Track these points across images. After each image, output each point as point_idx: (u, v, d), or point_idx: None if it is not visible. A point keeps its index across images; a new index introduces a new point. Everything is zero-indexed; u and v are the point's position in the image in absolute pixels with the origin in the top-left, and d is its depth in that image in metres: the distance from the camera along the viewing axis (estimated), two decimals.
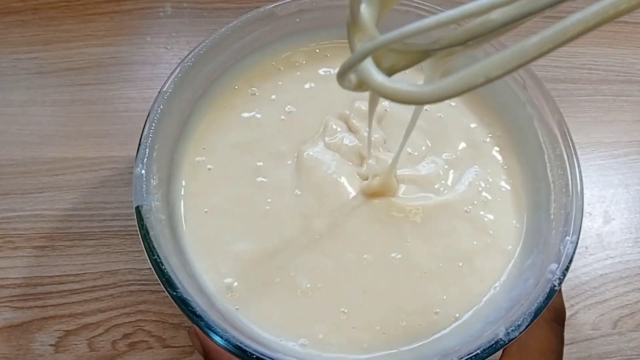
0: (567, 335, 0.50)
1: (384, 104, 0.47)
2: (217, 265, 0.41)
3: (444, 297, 0.41)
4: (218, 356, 0.38)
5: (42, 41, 0.60)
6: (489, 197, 0.45)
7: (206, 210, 0.43)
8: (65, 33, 0.61)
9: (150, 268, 0.36)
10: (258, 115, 0.46)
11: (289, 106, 0.47)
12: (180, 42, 0.61)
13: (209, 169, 0.44)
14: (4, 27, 0.60)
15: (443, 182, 0.45)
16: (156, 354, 0.49)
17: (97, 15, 0.62)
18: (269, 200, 0.43)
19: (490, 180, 0.45)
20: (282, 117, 0.46)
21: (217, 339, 0.34)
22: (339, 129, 0.46)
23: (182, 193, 0.43)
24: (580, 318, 0.51)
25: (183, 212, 0.42)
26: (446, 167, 0.46)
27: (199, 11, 0.63)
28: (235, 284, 0.40)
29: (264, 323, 0.39)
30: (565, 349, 0.50)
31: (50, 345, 0.48)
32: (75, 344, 0.48)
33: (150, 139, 0.39)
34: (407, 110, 0.38)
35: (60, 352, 0.48)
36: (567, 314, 0.51)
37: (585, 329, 0.51)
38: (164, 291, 0.38)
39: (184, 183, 0.43)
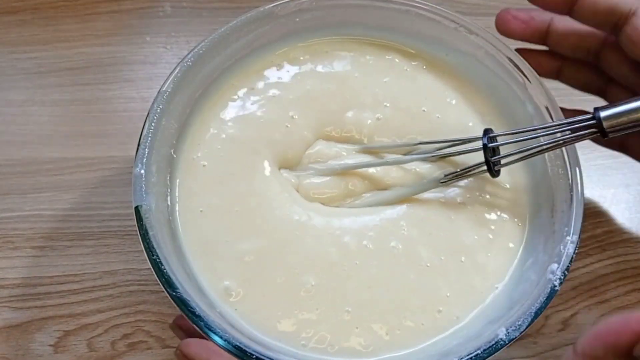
0: (568, 335, 0.50)
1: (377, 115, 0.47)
2: (214, 267, 0.40)
3: (448, 294, 0.41)
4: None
5: (41, 41, 0.60)
6: (489, 196, 0.45)
7: (201, 209, 0.42)
8: (65, 33, 0.60)
9: (150, 268, 0.36)
10: (256, 112, 0.46)
11: (287, 102, 0.46)
12: (179, 42, 0.61)
13: (204, 165, 0.43)
14: (3, 27, 0.60)
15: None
16: (156, 354, 0.49)
17: (97, 14, 0.62)
18: (267, 197, 0.43)
19: (491, 178, 0.45)
20: (281, 113, 0.46)
21: (217, 339, 0.34)
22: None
23: (177, 192, 0.43)
24: (581, 318, 0.51)
25: (179, 211, 0.42)
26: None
27: (199, 11, 0.63)
28: (234, 285, 0.40)
29: (265, 325, 0.39)
30: (566, 349, 0.50)
31: (50, 345, 0.48)
32: (75, 344, 0.48)
33: (149, 138, 0.39)
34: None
35: (59, 353, 0.48)
36: (568, 314, 0.51)
37: (586, 329, 0.51)
38: (163, 291, 0.38)
39: (178, 182, 0.43)
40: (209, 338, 0.34)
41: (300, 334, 0.39)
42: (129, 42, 0.61)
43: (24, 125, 0.56)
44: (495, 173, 0.42)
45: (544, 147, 0.41)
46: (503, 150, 0.42)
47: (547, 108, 0.44)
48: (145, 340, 0.49)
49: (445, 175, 0.44)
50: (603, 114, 0.39)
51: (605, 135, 0.39)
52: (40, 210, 0.53)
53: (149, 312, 0.50)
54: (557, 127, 0.41)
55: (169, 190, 0.42)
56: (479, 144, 0.42)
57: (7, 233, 0.52)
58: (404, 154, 0.46)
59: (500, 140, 0.42)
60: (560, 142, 0.40)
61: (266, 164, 0.44)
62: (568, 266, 0.38)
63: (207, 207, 0.42)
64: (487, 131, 0.42)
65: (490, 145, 0.41)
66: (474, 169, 0.43)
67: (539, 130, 0.42)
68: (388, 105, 0.46)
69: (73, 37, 0.60)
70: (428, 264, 0.42)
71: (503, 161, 0.42)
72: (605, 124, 0.39)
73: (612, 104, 0.39)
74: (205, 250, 0.41)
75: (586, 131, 0.39)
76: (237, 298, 0.40)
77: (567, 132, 0.41)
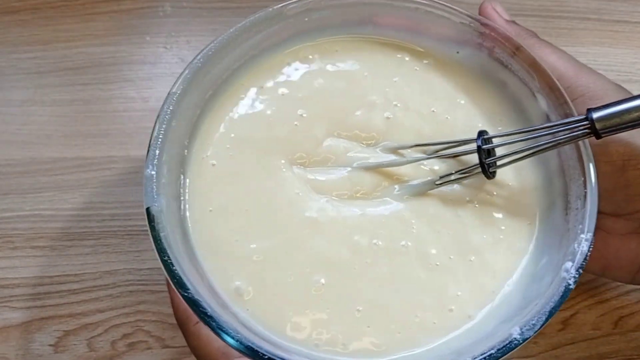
0: (567, 335, 0.51)
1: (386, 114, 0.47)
2: (225, 268, 0.40)
3: (458, 293, 0.41)
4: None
5: (41, 41, 0.60)
6: (497, 194, 0.45)
7: (211, 209, 0.42)
8: (65, 32, 0.60)
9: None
10: (265, 110, 0.46)
11: (296, 100, 0.46)
12: (179, 42, 0.61)
13: (213, 164, 0.43)
14: (3, 27, 0.60)
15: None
16: (155, 354, 0.49)
17: (96, 14, 0.61)
18: (277, 195, 0.43)
19: (498, 175, 0.45)
20: (290, 111, 0.46)
21: (229, 339, 0.34)
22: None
23: (187, 192, 0.43)
24: (581, 318, 0.52)
25: (189, 212, 0.42)
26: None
27: (199, 10, 0.62)
28: (245, 285, 0.40)
29: (276, 325, 0.39)
30: (566, 349, 0.50)
31: (50, 345, 0.48)
32: (75, 344, 0.48)
33: (160, 140, 0.39)
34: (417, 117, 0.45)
35: (59, 353, 0.48)
36: (568, 313, 0.52)
37: (586, 329, 0.51)
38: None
39: (188, 182, 0.43)
40: (221, 338, 0.34)
41: (312, 333, 0.39)
42: (129, 42, 0.60)
43: (24, 125, 0.56)
44: (490, 175, 0.43)
45: (537, 148, 0.41)
46: (502, 152, 0.43)
47: (557, 102, 0.44)
48: (145, 340, 0.49)
49: (441, 177, 0.44)
50: (596, 115, 0.39)
51: (599, 136, 0.39)
52: (40, 210, 0.53)
53: (149, 312, 0.50)
54: (549, 128, 0.41)
55: (179, 191, 0.42)
56: (475, 145, 0.42)
57: (7, 233, 0.52)
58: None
59: (494, 142, 0.43)
60: (554, 143, 0.41)
61: (276, 162, 0.44)
62: (582, 264, 0.38)
63: (216, 207, 0.42)
64: (481, 133, 0.42)
65: (484, 147, 0.42)
66: (468, 171, 0.43)
67: (532, 132, 0.42)
68: (398, 105, 0.47)
69: (73, 37, 0.60)
70: (437, 263, 0.42)
71: (498, 163, 0.42)
72: (597, 125, 0.39)
73: (605, 105, 0.39)
74: (215, 250, 0.41)
75: (579, 132, 0.40)
76: (248, 298, 0.40)
77: (561, 133, 0.41)
